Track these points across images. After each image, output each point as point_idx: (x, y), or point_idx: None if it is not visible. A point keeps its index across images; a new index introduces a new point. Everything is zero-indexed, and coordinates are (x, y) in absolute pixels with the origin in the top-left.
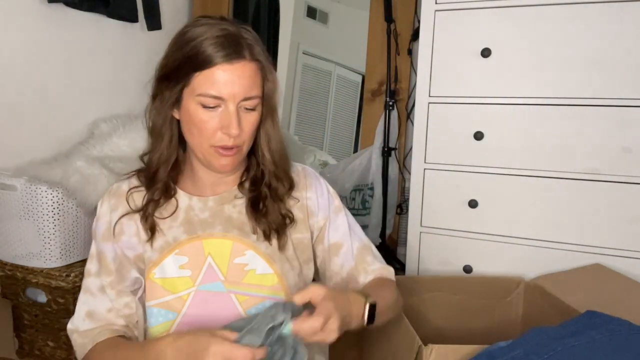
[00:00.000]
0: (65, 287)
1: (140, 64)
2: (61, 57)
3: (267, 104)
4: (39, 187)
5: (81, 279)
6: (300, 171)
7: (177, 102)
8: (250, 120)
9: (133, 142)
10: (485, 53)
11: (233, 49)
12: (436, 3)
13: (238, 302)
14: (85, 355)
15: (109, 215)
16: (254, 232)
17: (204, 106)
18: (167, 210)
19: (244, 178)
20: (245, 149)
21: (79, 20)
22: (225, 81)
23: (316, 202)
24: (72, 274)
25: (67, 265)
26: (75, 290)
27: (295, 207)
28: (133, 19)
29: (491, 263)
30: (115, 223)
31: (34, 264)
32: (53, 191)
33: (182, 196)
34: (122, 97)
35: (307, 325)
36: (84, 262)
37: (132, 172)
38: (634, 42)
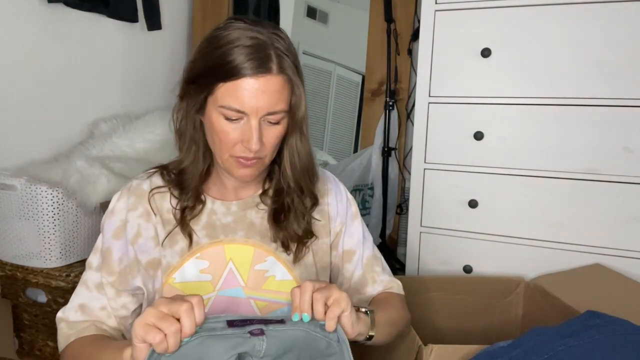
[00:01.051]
0: (65, 287)
1: (140, 64)
2: (61, 57)
3: (293, 118)
4: (39, 187)
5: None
6: (320, 176)
7: (202, 108)
8: (274, 134)
9: (133, 142)
10: (485, 53)
11: (260, 62)
12: (436, 3)
13: (257, 308)
14: (66, 346)
15: (125, 213)
16: (274, 241)
17: (226, 118)
18: (191, 214)
19: (267, 186)
20: (268, 160)
21: (79, 20)
22: (249, 96)
23: (335, 207)
24: (72, 274)
25: (67, 265)
26: None
27: (315, 213)
28: (133, 19)
29: (491, 263)
30: (133, 224)
31: (34, 264)
32: (53, 191)
33: (206, 199)
34: (122, 97)
35: (296, 295)
36: (83, 262)
37: (153, 169)
38: (634, 42)
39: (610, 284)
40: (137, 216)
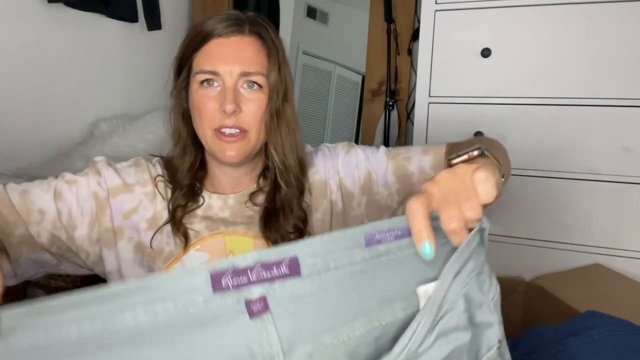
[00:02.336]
0: (65, 287)
1: (140, 64)
2: (61, 57)
3: (272, 91)
4: None
5: (81, 280)
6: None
7: (187, 93)
8: (253, 99)
9: (133, 142)
10: (485, 53)
11: (231, 23)
12: (436, 3)
13: None
14: None
15: (135, 183)
16: (267, 239)
17: (202, 83)
18: (184, 211)
19: (261, 184)
20: (253, 137)
21: (79, 20)
22: (220, 54)
23: (323, 168)
24: (73, 274)
25: None
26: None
27: (307, 197)
28: (133, 19)
29: (491, 263)
30: (135, 198)
31: None
32: None
33: (203, 194)
34: (122, 97)
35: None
36: None
37: (157, 158)
38: (633, 42)
39: (610, 284)
40: (143, 193)
